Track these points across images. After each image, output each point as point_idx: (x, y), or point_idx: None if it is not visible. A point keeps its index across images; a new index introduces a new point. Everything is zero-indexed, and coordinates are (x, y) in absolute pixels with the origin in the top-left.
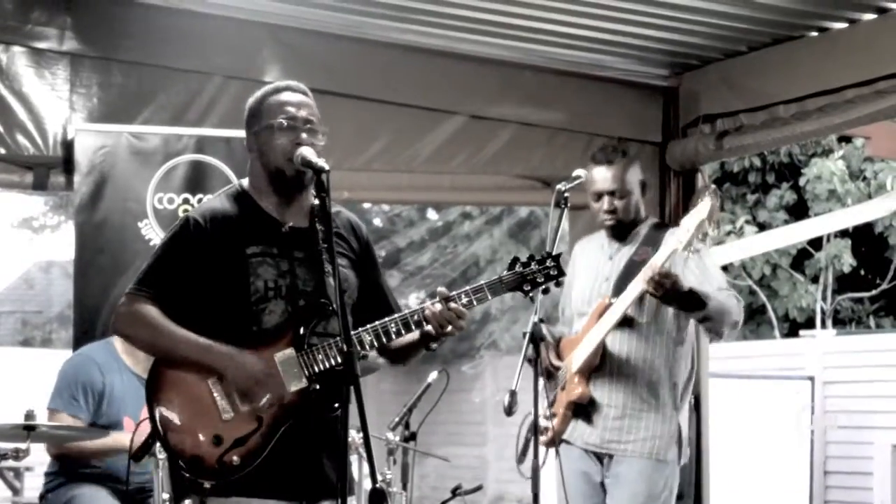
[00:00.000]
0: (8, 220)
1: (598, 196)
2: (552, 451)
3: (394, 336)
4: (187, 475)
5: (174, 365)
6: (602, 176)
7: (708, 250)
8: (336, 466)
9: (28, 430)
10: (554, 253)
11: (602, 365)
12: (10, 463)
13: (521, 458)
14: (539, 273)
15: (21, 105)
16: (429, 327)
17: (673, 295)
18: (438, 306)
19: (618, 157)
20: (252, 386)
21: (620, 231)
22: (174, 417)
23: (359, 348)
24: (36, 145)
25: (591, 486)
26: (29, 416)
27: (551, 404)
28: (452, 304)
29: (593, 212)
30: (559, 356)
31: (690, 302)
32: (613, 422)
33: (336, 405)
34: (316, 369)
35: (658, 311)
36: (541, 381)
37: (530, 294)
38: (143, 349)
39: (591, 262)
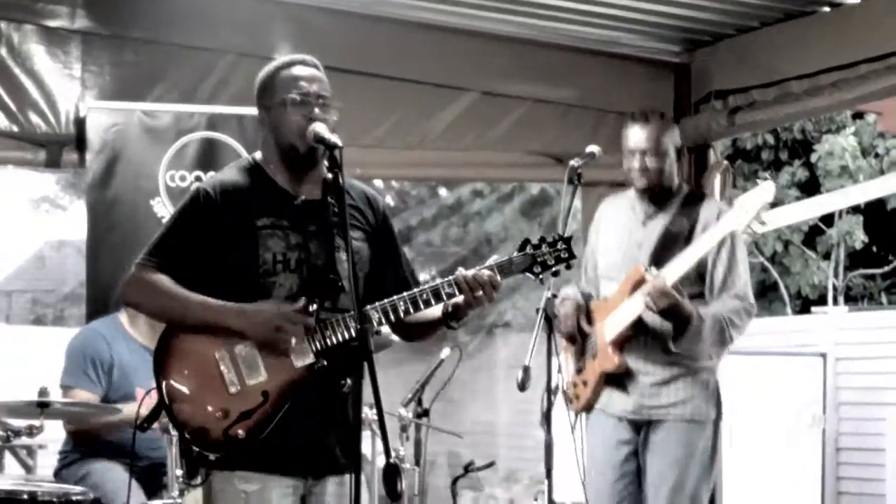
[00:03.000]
0: (20, 199)
1: (632, 154)
2: (581, 417)
3: (402, 314)
4: (192, 447)
5: (183, 336)
6: (636, 134)
7: (742, 242)
8: (343, 443)
9: (41, 407)
10: (566, 234)
11: (636, 334)
12: (24, 440)
13: (544, 421)
14: (550, 255)
15: (33, 83)
16: (458, 298)
17: (669, 316)
18: (472, 271)
19: (655, 117)
20: (274, 334)
21: (653, 194)
22: (181, 389)
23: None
24: (48, 123)
25: (622, 455)
26: (42, 392)
27: (580, 371)
28: (486, 272)
29: (626, 172)
30: (589, 320)
31: (679, 329)
32: (650, 388)
33: (343, 381)
34: (323, 345)
35: (694, 280)
36: (554, 358)
37: (540, 276)
38: (153, 316)
39: (622, 223)
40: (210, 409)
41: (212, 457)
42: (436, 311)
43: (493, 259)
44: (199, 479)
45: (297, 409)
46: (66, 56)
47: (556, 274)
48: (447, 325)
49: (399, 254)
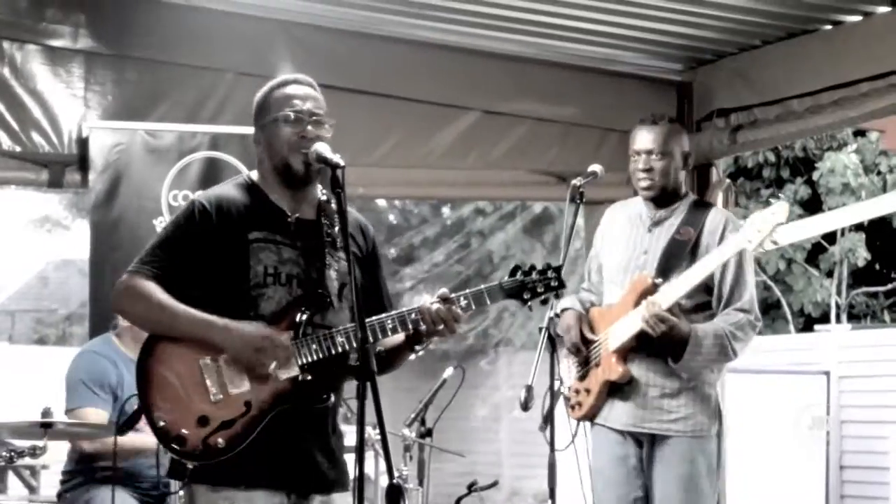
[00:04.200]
0: (23, 218)
1: (637, 155)
2: (583, 425)
3: (389, 332)
4: (171, 454)
5: (168, 342)
6: (644, 135)
7: (750, 256)
8: (330, 461)
9: (45, 428)
10: (568, 252)
11: (640, 344)
12: (27, 461)
13: (544, 425)
14: (539, 283)
15: (36, 103)
16: (422, 327)
17: (667, 340)
18: (435, 305)
19: (663, 120)
20: (254, 355)
21: (657, 198)
22: (162, 395)
23: (353, 344)
24: (51, 143)
25: (626, 469)
26: (45, 413)
27: (582, 378)
28: (449, 305)
29: (631, 174)
30: (592, 328)
31: (678, 351)
32: (653, 401)
33: (325, 396)
34: (309, 359)
35: (700, 290)
36: (556, 370)
37: (528, 303)
38: (141, 325)
39: (627, 229)
40: (190, 416)
41: (189, 465)
42: (399, 337)
43: (481, 286)
44: (186, 497)
45: (279, 422)
46: (68, 75)
47: (544, 302)
48: (411, 348)
49: (382, 284)
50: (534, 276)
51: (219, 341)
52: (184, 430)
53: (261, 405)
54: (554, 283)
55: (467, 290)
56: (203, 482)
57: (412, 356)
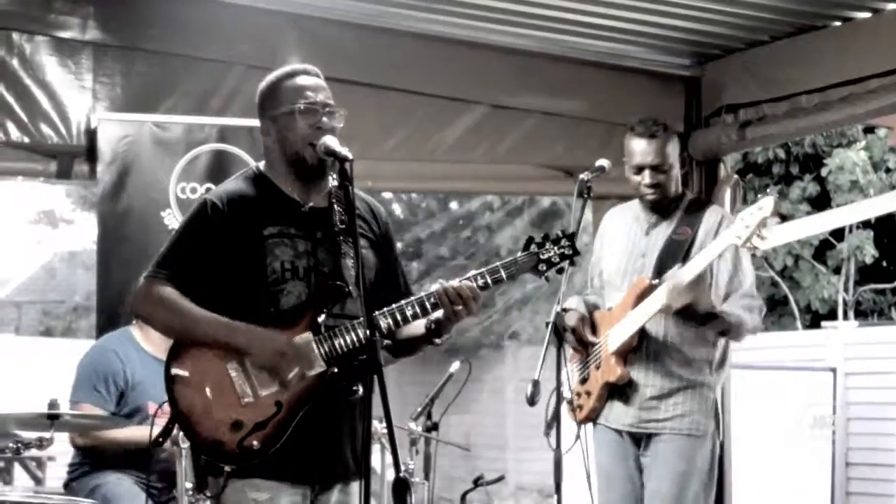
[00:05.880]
0: (30, 211)
1: (640, 169)
2: (585, 427)
3: (410, 319)
4: (207, 459)
5: (193, 348)
6: (644, 149)
7: (744, 250)
8: (352, 451)
9: (51, 419)
10: (576, 245)
11: (639, 345)
12: (34, 452)
13: (548, 430)
14: (554, 253)
15: (44, 94)
16: (439, 313)
17: (692, 314)
18: (454, 283)
19: (659, 130)
20: (278, 361)
21: (661, 206)
22: (194, 402)
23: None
24: (59, 134)
25: (628, 469)
26: (52, 404)
27: (584, 381)
28: (467, 283)
29: (632, 185)
30: (594, 331)
31: (708, 320)
32: (650, 401)
33: (355, 388)
34: (334, 353)
35: (696, 290)
36: (563, 371)
37: (545, 274)
38: (162, 331)
39: (626, 233)
40: (223, 421)
41: (227, 468)
42: (420, 327)
43: (497, 262)
44: (216, 489)
45: (310, 418)
46: (77, 67)
47: (560, 271)
48: (430, 341)
49: (397, 265)
50: (547, 246)
51: (240, 344)
52: (219, 437)
53: (291, 403)
54: (569, 252)
55: (483, 269)
56: (233, 474)
57: (430, 346)
